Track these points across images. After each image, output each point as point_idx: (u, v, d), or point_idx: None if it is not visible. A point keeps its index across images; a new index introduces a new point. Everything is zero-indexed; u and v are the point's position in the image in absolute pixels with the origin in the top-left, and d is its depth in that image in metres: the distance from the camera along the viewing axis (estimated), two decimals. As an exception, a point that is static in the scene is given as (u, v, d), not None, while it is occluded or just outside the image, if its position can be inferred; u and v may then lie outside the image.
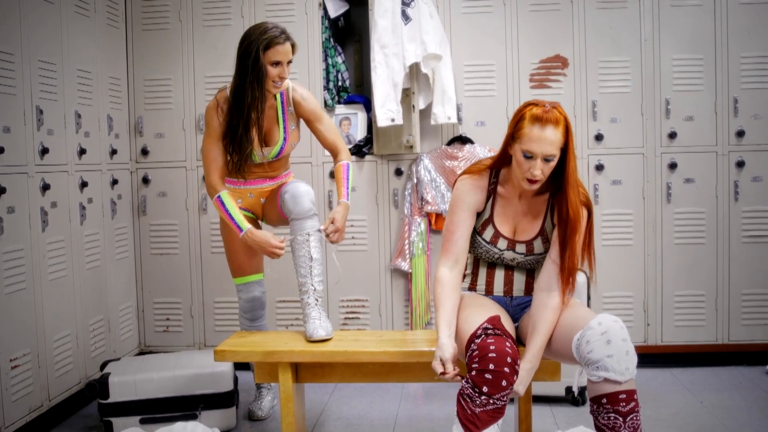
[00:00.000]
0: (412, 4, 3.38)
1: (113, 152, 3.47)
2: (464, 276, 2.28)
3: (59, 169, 2.99)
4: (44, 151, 2.86)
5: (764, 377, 3.35)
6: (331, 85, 3.70)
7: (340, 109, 3.72)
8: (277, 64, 2.61)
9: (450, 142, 3.55)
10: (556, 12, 3.50)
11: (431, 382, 2.36)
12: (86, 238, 3.18)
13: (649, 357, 3.44)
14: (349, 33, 3.93)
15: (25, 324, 2.73)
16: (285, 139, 2.79)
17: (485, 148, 3.47)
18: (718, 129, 3.47)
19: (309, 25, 3.59)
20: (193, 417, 2.80)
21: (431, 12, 3.44)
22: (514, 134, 2.08)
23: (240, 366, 3.17)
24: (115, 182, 3.48)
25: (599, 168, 3.51)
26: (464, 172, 2.27)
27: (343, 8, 3.73)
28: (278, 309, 3.67)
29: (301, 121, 2.85)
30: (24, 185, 2.74)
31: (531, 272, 2.26)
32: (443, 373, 2.02)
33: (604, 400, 1.88)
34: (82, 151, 3.15)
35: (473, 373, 1.91)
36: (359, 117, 3.70)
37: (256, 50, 2.57)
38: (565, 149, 2.06)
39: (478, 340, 1.95)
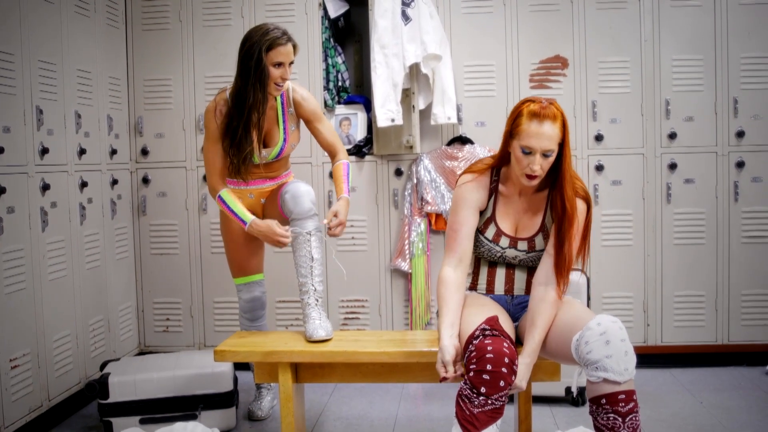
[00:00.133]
0: (412, 5, 3.38)
1: (113, 152, 3.47)
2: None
3: (59, 169, 2.99)
4: (44, 151, 2.86)
5: (764, 377, 3.35)
6: (331, 85, 3.70)
7: (340, 110, 3.72)
8: (279, 65, 2.61)
9: (450, 143, 3.55)
10: (556, 12, 3.50)
11: (431, 382, 2.37)
12: (86, 238, 3.18)
13: (649, 357, 3.44)
14: (349, 33, 3.93)
15: (25, 324, 2.74)
16: (285, 140, 2.79)
17: (485, 149, 3.47)
18: (718, 129, 3.47)
19: (309, 26, 3.59)
20: (193, 417, 2.80)
21: (431, 12, 3.44)
22: (512, 131, 2.09)
23: (240, 366, 3.18)
24: (115, 182, 3.48)
25: (599, 168, 3.51)
26: (466, 171, 2.27)
27: (343, 8, 3.73)
28: (278, 309, 3.67)
29: (301, 121, 2.85)
30: (24, 185, 2.75)
31: (532, 271, 2.25)
32: (444, 378, 2.02)
33: (604, 401, 1.88)
34: (82, 151, 3.15)
35: (471, 374, 1.92)
36: (359, 117, 3.70)
37: (258, 51, 2.57)
38: (562, 144, 2.08)
39: (476, 341, 1.95)
